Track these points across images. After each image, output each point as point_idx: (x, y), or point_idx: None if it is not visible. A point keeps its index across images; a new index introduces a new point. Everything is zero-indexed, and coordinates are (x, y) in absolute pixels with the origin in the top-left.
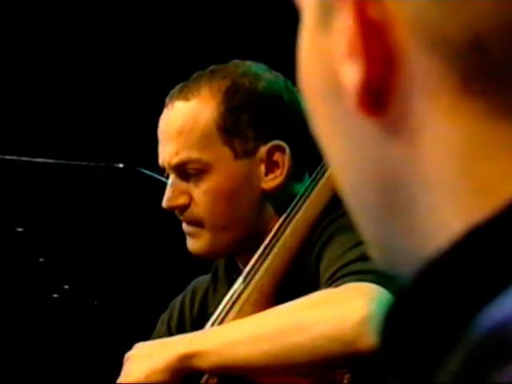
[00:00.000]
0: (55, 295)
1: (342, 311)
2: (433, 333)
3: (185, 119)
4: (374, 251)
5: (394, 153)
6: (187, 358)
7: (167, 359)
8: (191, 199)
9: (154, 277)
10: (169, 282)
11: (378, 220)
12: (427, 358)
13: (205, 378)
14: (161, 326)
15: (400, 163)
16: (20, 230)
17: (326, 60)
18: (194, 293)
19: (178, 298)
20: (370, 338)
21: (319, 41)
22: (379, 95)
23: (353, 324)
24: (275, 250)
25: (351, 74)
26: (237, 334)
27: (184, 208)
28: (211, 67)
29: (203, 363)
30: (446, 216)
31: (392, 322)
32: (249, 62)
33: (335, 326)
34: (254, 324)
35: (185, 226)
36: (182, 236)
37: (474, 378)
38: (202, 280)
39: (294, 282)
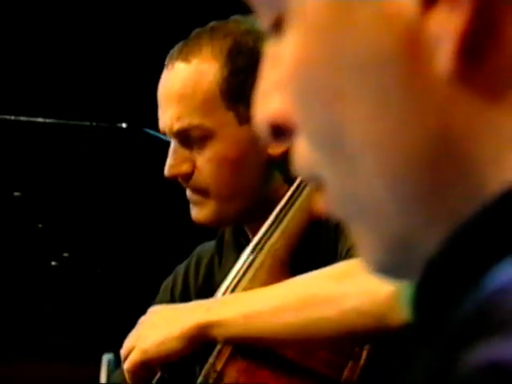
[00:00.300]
0: (54, 263)
1: (372, 285)
2: (452, 292)
3: (185, 82)
4: (383, 255)
5: (473, 110)
6: (205, 327)
7: (184, 327)
8: (195, 167)
9: (157, 242)
10: (173, 247)
11: (419, 202)
12: (442, 319)
13: (218, 347)
14: (163, 293)
15: (478, 122)
16: (17, 194)
17: (371, 25)
18: (198, 260)
19: (182, 265)
20: (400, 314)
21: (356, 10)
22: (480, 44)
23: (384, 298)
24: (291, 213)
25: (447, 22)
26: (259, 303)
27: (187, 176)
28: (211, 24)
29: (222, 333)
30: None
31: (425, 283)
32: (251, 18)
33: (365, 299)
34: (277, 294)
35: (189, 193)
36: (187, 199)
37: (454, 351)
38: (208, 247)
39: (309, 246)
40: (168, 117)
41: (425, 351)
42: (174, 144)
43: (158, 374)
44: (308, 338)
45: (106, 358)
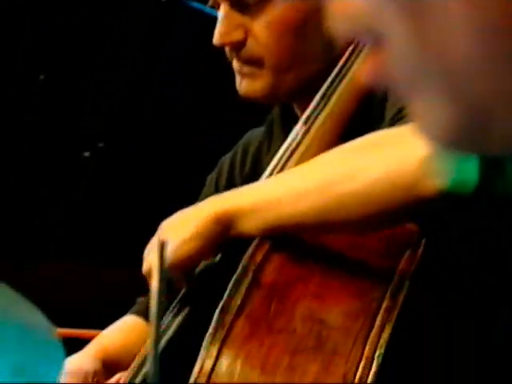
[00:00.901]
0: (86, 154)
1: (400, 152)
2: None
3: None
4: (456, 125)
5: None
6: (221, 220)
7: (199, 224)
8: (248, 33)
9: (196, 125)
10: (211, 132)
11: None
12: None
13: (254, 244)
14: (208, 187)
15: None
16: (42, 77)
17: None
18: (245, 148)
19: (228, 156)
20: (433, 181)
21: None
22: None
23: (413, 165)
24: (339, 90)
25: None
26: (278, 189)
27: (239, 45)
28: None
29: (242, 225)
30: None
31: None
32: None
33: (392, 168)
34: (298, 177)
35: (238, 65)
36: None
37: None
38: (256, 133)
39: (360, 129)
40: None
41: None
42: (224, 8)
43: (185, 287)
44: (336, 219)
45: (160, 241)
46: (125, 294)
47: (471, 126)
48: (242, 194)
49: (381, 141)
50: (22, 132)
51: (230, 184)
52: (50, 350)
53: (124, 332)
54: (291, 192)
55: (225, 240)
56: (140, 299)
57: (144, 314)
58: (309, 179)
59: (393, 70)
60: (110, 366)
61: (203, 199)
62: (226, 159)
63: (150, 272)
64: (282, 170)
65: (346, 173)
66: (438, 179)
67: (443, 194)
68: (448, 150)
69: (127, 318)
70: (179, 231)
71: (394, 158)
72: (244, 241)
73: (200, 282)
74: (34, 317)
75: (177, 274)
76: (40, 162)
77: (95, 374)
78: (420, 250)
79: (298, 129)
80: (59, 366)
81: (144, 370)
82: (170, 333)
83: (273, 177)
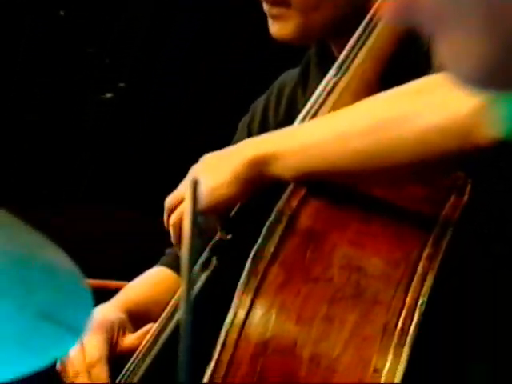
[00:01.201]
0: (109, 95)
1: (455, 98)
2: None
3: None
4: (492, 59)
5: None
6: (258, 163)
7: (234, 168)
8: None
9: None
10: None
11: None
12: None
13: (290, 189)
14: (241, 131)
15: None
16: (63, 13)
17: None
18: (280, 91)
19: (262, 97)
20: (487, 130)
21: None
22: None
23: (467, 113)
24: (379, 28)
25: None
26: (321, 131)
27: None
28: None
29: (279, 169)
30: None
31: None
32: None
33: (446, 115)
34: (342, 120)
35: (267, 7)
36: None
37: None
38: (292, 74)
39: (401, 67)
40: None
41: None
42: None
43: (218, 234)
44: (381, 165)
45: (193, 180)
46: (149, 243)
47: (505, 63)
48: (279, 137)
49: (433, 86)
50: (45, 76)
51: (264, 127)
52: (77, 295)
53: (152, 283)
54: (333, 135)
55: (261, 184)
56: (168, 250)
57: (173, 265)
58: (353, 122)
59: (423, 5)
60: (136, 317)
61: (236, 143)
62: (259, 102)
63: (179, 220)
64: (318, 110)
65: (396, 118)
66: (492, 127)
67: (497, 143)
68: (477, 89)
69: (155, 269)
70: (213, 174)
71: (448, 104)
72: (279, 186)
73: (233, 228)
74: (60, 259)
75: (210, 218)
76: (63, 104)
77: (120, 324)
78: (465, 197)
79: (335, 67)
80: (87, 312)
81: (176, 317)
82: (202, 279)
83: (314, 119)
